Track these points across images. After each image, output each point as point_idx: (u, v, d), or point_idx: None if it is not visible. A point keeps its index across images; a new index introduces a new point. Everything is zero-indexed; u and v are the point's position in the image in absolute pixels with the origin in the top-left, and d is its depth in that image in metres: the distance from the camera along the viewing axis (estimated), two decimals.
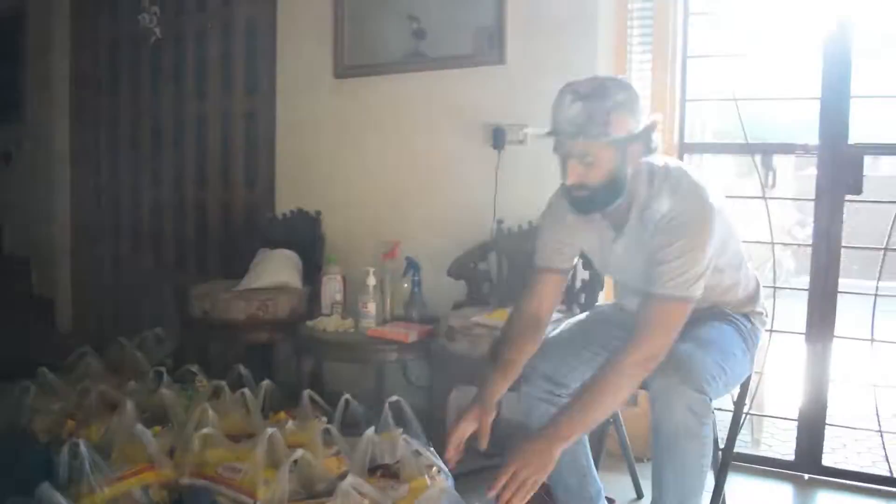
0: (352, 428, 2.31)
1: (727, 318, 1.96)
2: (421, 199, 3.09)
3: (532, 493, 1.61)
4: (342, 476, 2.01)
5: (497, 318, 2.47)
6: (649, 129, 1.76)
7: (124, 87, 4.11)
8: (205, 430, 2.06)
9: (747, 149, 2.70)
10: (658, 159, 1.82)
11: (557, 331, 2.07)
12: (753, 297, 2.05)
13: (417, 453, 2.06)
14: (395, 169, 3.16)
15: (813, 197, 2.58)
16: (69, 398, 2.49)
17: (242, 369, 2.62)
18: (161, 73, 3.91)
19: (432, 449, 2.11)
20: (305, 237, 3.23)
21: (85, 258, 4.30)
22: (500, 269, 2.84)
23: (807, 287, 2.64)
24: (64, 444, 2.23)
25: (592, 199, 1.80)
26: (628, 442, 2.55)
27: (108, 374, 2.79)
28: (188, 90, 3.82)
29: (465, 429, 1.81)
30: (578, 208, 1.84)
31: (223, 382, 2.46)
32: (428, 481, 1.99)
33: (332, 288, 2.86)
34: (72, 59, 4.24)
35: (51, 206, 4.30)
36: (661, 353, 1.70)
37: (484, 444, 1.81)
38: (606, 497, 2.17)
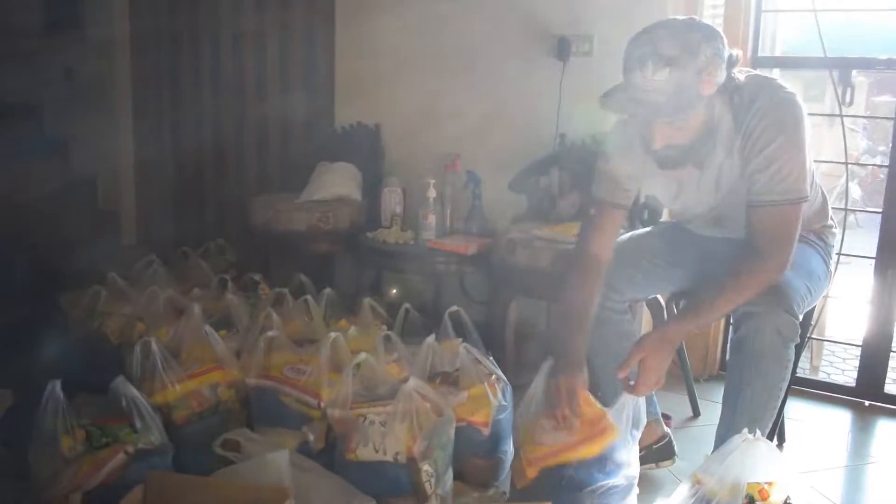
0: (411, 337, 2.33)
1: (805, 239, 1.90)
2: (482, 111, 3.03)
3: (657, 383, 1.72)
4: (404, 380, 2.04)
5: (559, 231, 2.44)
6: (732, 63, 1.66)
7: (183, 2, 4.08)
8: (270, 334, 2.10)
9: (825, 63, 2.56)
10: (736, 74, 1.73)
11: (619, 240, 2.03)
12: (822, 212, 1.98)
13: (477, 362, 2.07)
14: (455, 81, 3.10)
15: (893, 116, 2.45)
16: (138, 303, 2.56)
17: (303, 278, 2.65)
18: None
19: (491, 358, 2.12)
20: (365, 150, 3.22)
21: (147, 173, 4.36)
22: (561, 183, 2.78)
23: (880, 209, 2.54)
24: (134, 346, 2.33)
25: (682, 156, 1.73)
26: (688, 360, 2.54)
27: (174, 281, 2.85)
28: (247, 3, 3.77)
29: (571, 398, 1.77)
30: (665, 165, 1.76)
31: (286, 290, 2.50)
32: (487, 389, 2.01)
33: (391, 200, 2.85)
34: None
35: (114, 122, 4.35)
36: (787, 260, 1.68)
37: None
38: (662, 413, 2.17)
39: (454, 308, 2.29)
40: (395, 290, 2.89)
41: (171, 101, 4.23)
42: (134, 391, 1.73)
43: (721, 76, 1.64)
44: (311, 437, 1.93)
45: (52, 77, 4.52)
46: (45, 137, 4.69)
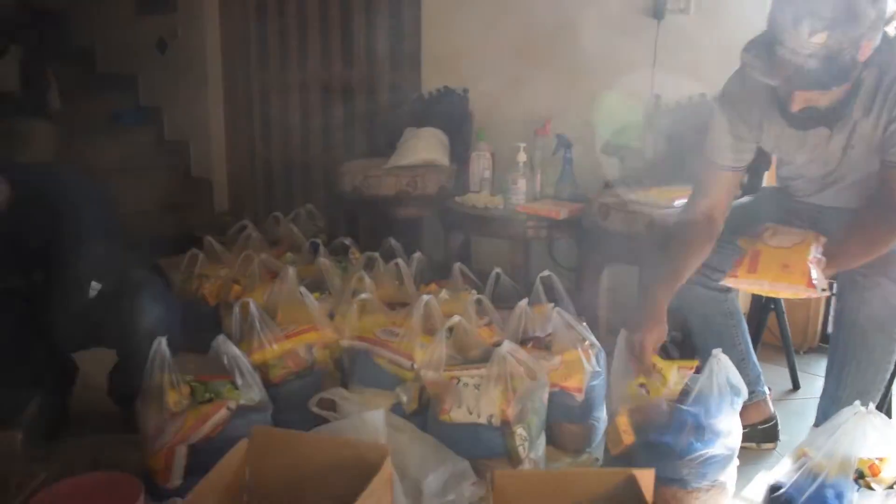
0: (501, 302, 2.31)
1: None
2: (573, 73, 2.96)
3: None
4: (496, 343, 2.03)
5: (654, 196, 2.37)
6: (890, 20, 1.51)
7: None
8: (363, 296, 2.12)
9: None
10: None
11: None
12: None
13: (570, 327, 2.03)
14: (545, 42, 3.03)
15: None
16: (234, 266, 2.63)
17: (393, 242, 2.66)
18: None
19: (584, 324, 2.08)
20: (452, 115, 3.19)
21: (238, 141, 4.46)
22: (655, 146, 2.69)
23: None
24: (231, 307, 2.38)
25: (819, 117, 1.62)
26: (788, 331, 2.44)
27: (267, 245, 2.91)
28: None
29: (650, 345, 1.75)
30: (798, 125, 1.66)
31: (376, 254, 2.52)
32: (581, 355, 1.97)
33: (480, 164, 2.82)
34: None
35: (205, 92, 4.45)
36: None
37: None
38: None
39: (546, 273, 2.25)
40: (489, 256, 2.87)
41: (260, 71, 4.29)
42: (235, 349, 1.78)
43: (879, 38, 1.49)
44: (404, 398, 1.94)
45: (146, 48, 4.65)
46: (139, 107, 4.85)
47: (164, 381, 1.68)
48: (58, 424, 2.05)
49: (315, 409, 1.95)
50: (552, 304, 2.12)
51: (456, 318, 1.93)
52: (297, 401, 1.98)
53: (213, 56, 4.43)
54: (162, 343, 1.68)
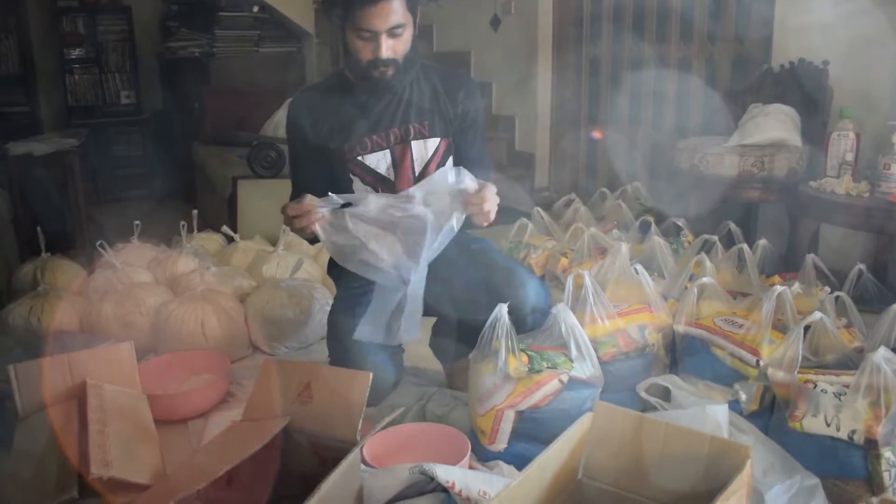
0: (862, 303, 2.03)
1: None
2: None
3: None
4: (858, 349, 1.78)
5: None
6: None
7: None
8: (704, 280, 1.97)
9: None
10: None
11: None
12: None
13: None
14: None
15: None
16: (561, 238, 2.62)
17: (732, 226, 2.46)
18: None
19: None
20: (807, 91, 2.86)
21: (564, 116, 4.47)
22: None
23: None
24: (556, 278, 2.38)
25: None
26: None
27: (594, 221, 2.87)
28: None
29: None
30: None
31: (715, 237, 2.35)
32: None
33: (842, 146, 2.49)
34: None
35: (535, 68, 4.52)
36: None
37: None
38: None
39: None
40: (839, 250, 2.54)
41: (591, 47, 4.24)
42: (574, 319, 1.75)
43: None
44: (744, 397, 1.78)
45: (480, 25, 4.84)
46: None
47: (502, 346, 1.70)
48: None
49: (643, 394, 1.87)
50: None
51: (817, 315, 1.71)
52: (623, 382, 1.92)
53: (544, 32, 4.48)
54: (503, 309, 1.71)
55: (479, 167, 1.88)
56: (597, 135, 4.17)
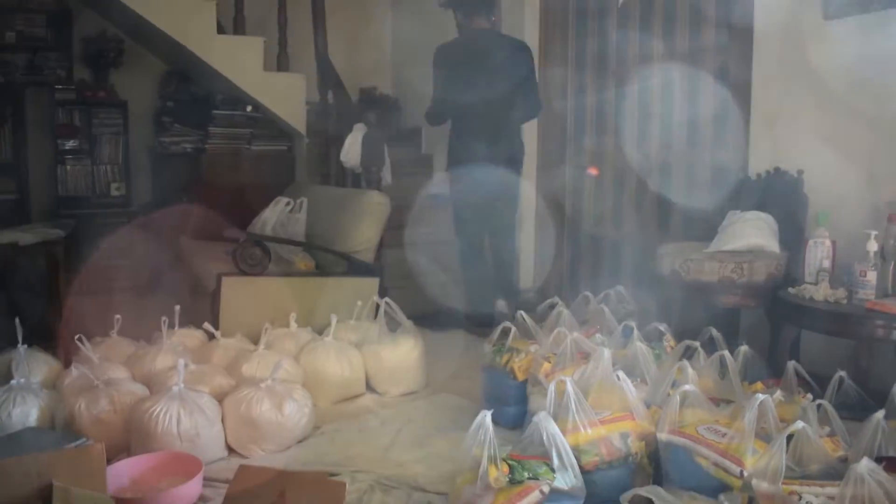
0: (844, 410, 2.03)
1: None
2: None
3: None
4: (842, 459, 1.77)
5: None
6: None
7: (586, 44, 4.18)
8: (686, 387, 1.96)
9: None
10: None
11: None
12: None
13: None
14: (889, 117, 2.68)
15: None
16: (545, 342, 2.61)
17: (714, 332, 2.47)
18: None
19: None
20: (783, 199, 2.93)
21: (543, 214, 4.52)
22: None
23: None
24: (538, 383, 2.36)
25: None
26: None
27: (576, 325, 2.86)
28: (654, 39, 3.74)
29: None
30: None
31: (696, 343, 2.35)
32: None
33: (819, 253, 2.55)
34: None
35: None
36: None
37: None
38: None
39: None
40: (820, 356, 2.55)
41: (575, 154, 4.34)
42: (555, 428, 1.73)
43: None
44: None
45: None
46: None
47: (484, 455, 1.67)
48: None
49: None
50: None
51: (799, 425, 1.70)
52: (607, 492, 1.88)
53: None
54: (487, 417, 1.69)
55: None
56: (593, 171, 4.19)
